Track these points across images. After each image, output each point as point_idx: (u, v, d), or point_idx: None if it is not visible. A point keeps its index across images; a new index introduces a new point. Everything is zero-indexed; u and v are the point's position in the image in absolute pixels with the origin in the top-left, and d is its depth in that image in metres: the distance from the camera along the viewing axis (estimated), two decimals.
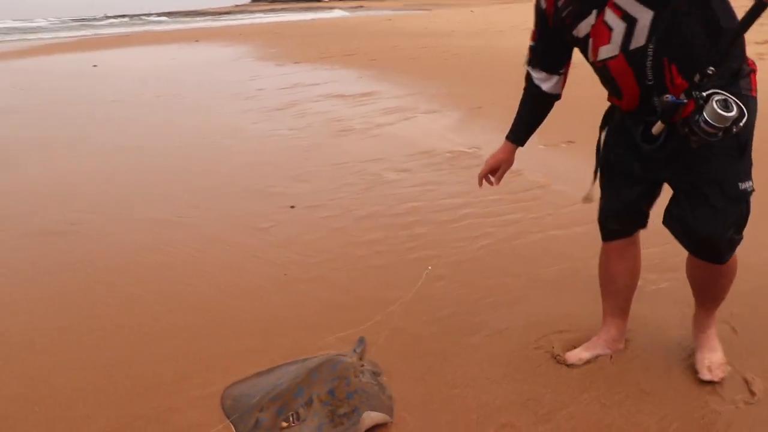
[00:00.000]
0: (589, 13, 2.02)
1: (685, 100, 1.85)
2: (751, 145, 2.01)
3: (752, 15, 1.73)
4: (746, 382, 2.31)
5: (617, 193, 2.33)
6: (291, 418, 2.09)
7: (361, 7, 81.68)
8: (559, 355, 2.52)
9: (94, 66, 14.75)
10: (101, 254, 3.73)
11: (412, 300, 2.97)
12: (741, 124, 1.78)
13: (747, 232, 2.11)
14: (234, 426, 2.16)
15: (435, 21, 26.19)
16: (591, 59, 2.12)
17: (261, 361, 2.53)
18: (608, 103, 2.33)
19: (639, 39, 1.94)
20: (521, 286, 3.12)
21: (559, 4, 2.12)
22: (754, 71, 2.02)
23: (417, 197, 4.47)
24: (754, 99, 1.99)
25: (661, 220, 2.20)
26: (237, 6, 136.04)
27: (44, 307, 3.12)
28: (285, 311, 2.96)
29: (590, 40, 2.07)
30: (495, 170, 2.54)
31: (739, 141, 1.96)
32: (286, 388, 2.21)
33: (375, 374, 2.41)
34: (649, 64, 1.96)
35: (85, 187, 5.09)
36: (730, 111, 1.75)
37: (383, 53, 14.09)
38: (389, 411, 2.20)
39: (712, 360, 2.36)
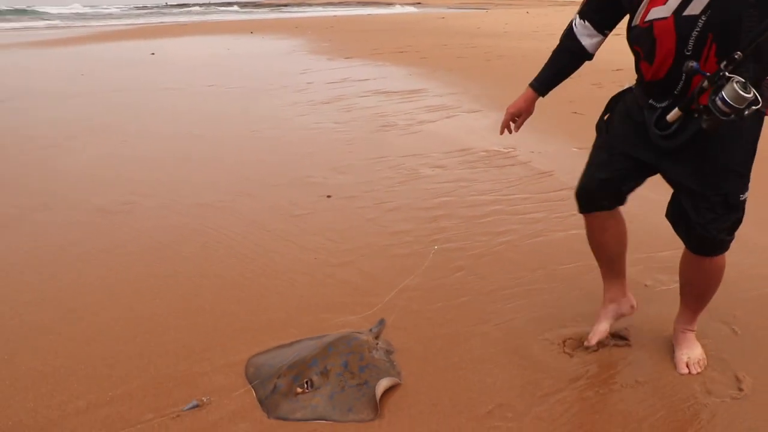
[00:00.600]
0: None
1: (706, 82, 1.90)
2: (753, 161, 2.17)
3: None
4: (737, 379, 2.43)
5: (604, 169, 2.43)
6: (306, 385, 2.31)
7: (419, 3, 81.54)
8: (570, 342, 2.69)
9: (152, 54, 15.27)
10: (150, 234, 4.01)
11: (431, 287, 3.19)
12: (755, 107, 1.84)
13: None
14: (255, 390, 2.39)
15: (488, 21, 26.13)
16: (638, 21, 2.14)
17: (284, 335, 2.77)
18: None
19: (695, 7, 1.97)
20: (536, 280, 3.28)
21: None
22: None
23: (448, 192, 4.64)
24: (764, 115, 2.06)
25: (666, 215, 2.37)
26: None
27: (94, 281, 3.41)
28: (311, 291, 3.19)
29: (642, 1, 2.11)
30: (515, 118, 2.65)
31: (746, 156, 2.14)
32: (303, 359, 2.44)
33: (388, 352, 2.62)
34: (695, 34, 1.98)
35: (137, 172, 5.40)
36: (748, 93, 1.82)
37: (433, 51, 14.23)
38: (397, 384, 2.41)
39: (691, 356, 2.52)
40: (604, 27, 2.37)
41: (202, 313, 3.00)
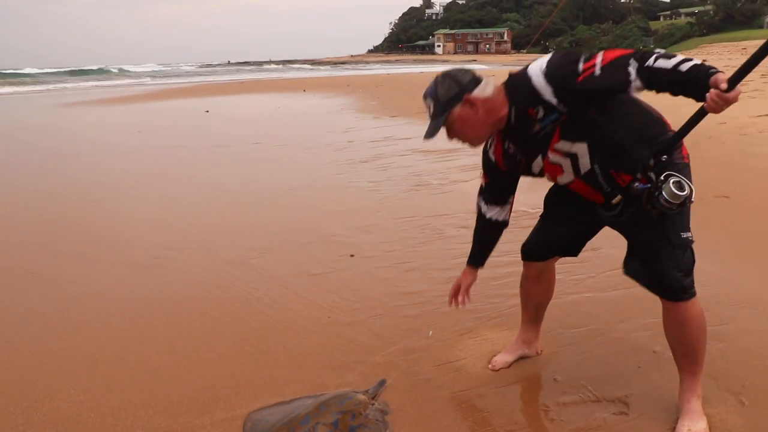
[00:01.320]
0: (537, 156, 2.40)
1: (648, 185, 2.20)
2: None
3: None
4: None
5: (554, 230, 2.78)
6: None
7: (475, 60, 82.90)
8: (566, 407, 2.72)
9: (206, 111, 15.91)
10: (175, 288, 4.19)
11: (436, 347, 3.24)
12: (693, 199, 2.14)
13: None
14: None
15: None
16: (551, 181, 2.52)
17: (285, 392, 2.85)
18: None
19: (585, 165, 2.32)
20: (543, 344, 3.29)
21: (510, 151, 2.48)
22: (681, 146, 2.34)
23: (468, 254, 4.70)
24: (687, 165, 2.32)
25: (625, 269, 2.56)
26: (353, 56, 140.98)
27: (117, 331, 3.58)
28: (317, 349, 3.28)
29: (546, 174, 2.46)
30: (459, 289, 2.92)
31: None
32: (297, 416, 2.52)
33: (383, 412, 2.67)
34: (601, 180, 2.33)
35: (174, 227, 5.65)
36: (684, 191, 2.12)
37: None
38: None
39: (692, 428, 2.48)
40: (505, 200, 2.69)
41: (211, 366, 3.12)
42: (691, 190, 2.13)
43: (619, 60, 2.09)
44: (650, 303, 3.15)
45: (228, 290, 4.12)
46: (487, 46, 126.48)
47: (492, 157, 2.58)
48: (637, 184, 2.20)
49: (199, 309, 3.84)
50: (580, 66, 2.14)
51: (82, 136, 12.44)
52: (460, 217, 5.68)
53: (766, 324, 3.41)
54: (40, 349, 3.35)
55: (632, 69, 2.05)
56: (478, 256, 2.88)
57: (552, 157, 2.36)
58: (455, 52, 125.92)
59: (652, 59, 2.03)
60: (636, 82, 2.06)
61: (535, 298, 3.04)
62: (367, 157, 8.88)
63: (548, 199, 2.79)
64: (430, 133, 2.33)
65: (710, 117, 2.04)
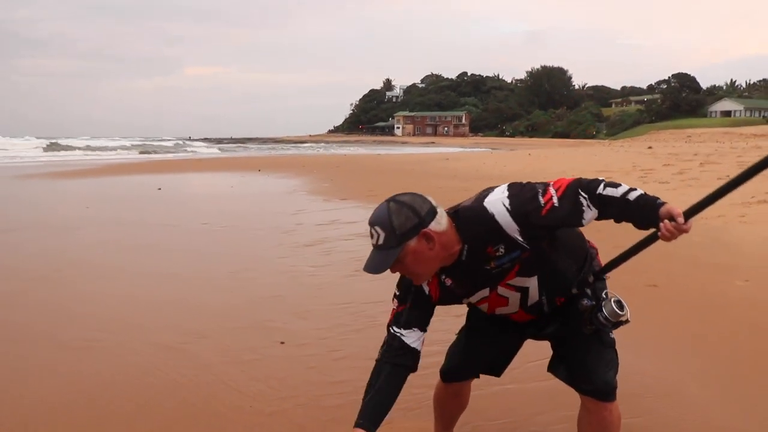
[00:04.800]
0: (481, 290, 2.37)
1: (593, 301, 2.33)
2: None
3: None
4: None
5: (479, 351, 2.71)
6: None
7: (433, 143, 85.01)
8: None
9: (159, 189, 15.95)
10: (99, 372, 4.18)
11: None
12: (629, 319, 2.28)
13: None
14: None
15: (490, 162, 27.05)
16: (484, 309, 2.48)
17: None
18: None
19: (534, 297, 2.36)
20: None
21: (447, 284, 2.38)
22: (596, 250, 2.54)
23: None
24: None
25: (550, 369, 2.62)
26: (311, 136, 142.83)
27: (31, 413, 3.56)
28: None
29: (485, 305, 2.44)
30: None
31: None
32: None
33: None
34: (546, 308, 2.40)
35: (108, 309, 5.64)
36: (623, 311, 2.26)
37: (426, 194, 14.76)
38: None
39: None
40: (427, 324, 2.49)
41: None
42: (627, 312, 2.28)
43: (569, 189, 2.13)
44: (567, 396, 3.29)
45: (154, 375, 4.13)
46: (446, 128, 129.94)
47: (426, 288, 2.41)
48: (585, 300, 2.30)
49: (123, 394, 3.84)
50: (541, 200, 2.12)
51: (28, 209, 12.34)
52: None
53: (686, 413, 3.55)
54: None
55: (584, 199, 2.11)
56: (376, 410, 2.37)
57: (501, 291, 2.33)
58: (414, 134, 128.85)
59: (600, 187, 2.11)
60: (591, 212, 2.12)
61: (451, 411, 3.00)
62: (312, 241, 9.01)
63: (472, 314, 2.70)
64: (378, 267, 2.13)
65: None
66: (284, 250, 8.36)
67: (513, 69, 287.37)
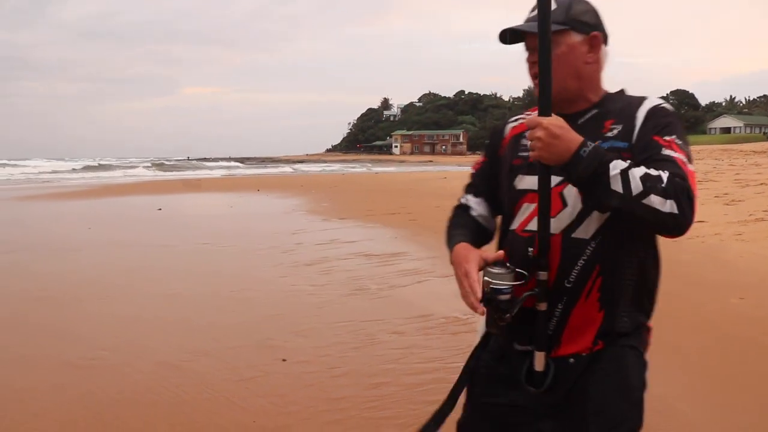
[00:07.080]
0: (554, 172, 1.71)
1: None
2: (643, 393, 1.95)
3: None
4: None
5: None
6: None
7: (431, 161, 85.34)
8: None
9: (159, 209, 16.09)
10: (105, 390, 4.28)
11: None
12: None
13: None
14: None
15: None
16: (514, 225, 1.88)
17: None
18: None
19: (588, 228, 1.75)
20: None
21: (523, 141, 1.88)
22: (650, 330, 2.00)
23: (397, 359, 4.92)
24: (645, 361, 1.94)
25: None
26: (309, 155, 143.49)
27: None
28: None
29: (523, 204, 1.86)
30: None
31: (638, 394, 1.90)
32: None
33: None
34: (581, 263, 1.76)
35: (112, 328, 5.75)
36: None
37: (424, 213, 14.88)
38: None
39: None
40: (495, 199, 2.05)
41: None
42: None
43: (685, 182, 1.65)
44: None
45: (157, 393, 4.23)
46: (444, 147, 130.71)
47: (506, 131, 2.00)
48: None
49: (128, 411, 3.94)
50: (670, 145, 1.71)
51: (31, 230, 12.46)
52: (394, 323, 5.90)
53: (677, 430, 3.65)
54: None
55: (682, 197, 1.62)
56: (464, 237, 1.94)
57: (569, 189, 1.75)
58: (412, 153, 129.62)
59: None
60: (658, 200, 1.63)
61: None
62: (312, 260, 9.12)
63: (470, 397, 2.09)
64: (532, 26, 1.72)
65: None
66: (284, 270, 8.48)
67: (510, 87, 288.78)
